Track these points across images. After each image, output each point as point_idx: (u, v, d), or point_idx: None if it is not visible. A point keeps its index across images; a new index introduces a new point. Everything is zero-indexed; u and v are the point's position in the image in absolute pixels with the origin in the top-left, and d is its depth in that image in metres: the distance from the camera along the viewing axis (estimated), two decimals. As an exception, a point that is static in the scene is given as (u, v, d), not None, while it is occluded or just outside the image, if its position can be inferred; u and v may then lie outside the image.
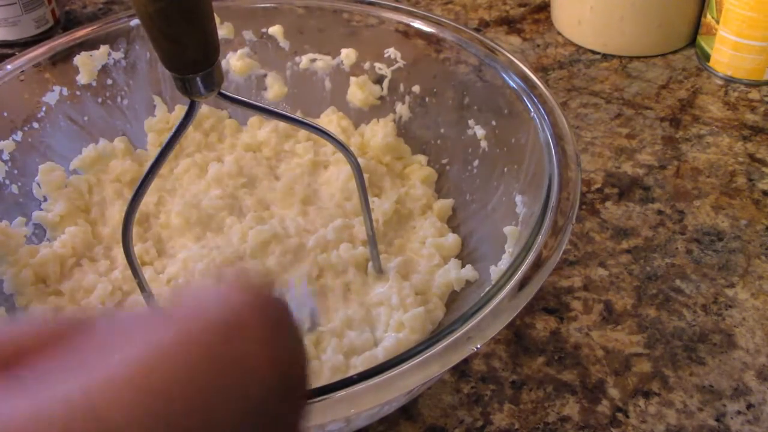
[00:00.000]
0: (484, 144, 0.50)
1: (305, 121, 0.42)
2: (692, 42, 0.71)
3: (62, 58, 0.52)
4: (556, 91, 0.66)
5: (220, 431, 0.14)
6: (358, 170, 0.43)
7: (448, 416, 0.43)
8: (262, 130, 0.56)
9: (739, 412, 0.42)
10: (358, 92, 0.56)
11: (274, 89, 0.57)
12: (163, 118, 0.56)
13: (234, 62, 0.56)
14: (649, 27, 0.68)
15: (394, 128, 0.55)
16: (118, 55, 0.54)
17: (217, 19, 0.51)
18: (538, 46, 0.73)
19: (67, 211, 0.50)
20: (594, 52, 0.71)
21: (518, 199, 0.44)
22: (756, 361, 0.45)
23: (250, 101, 0.41)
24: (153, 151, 0.55)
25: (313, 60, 0.57)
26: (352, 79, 0.56)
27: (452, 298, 0.46)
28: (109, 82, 0.54)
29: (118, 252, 0.49)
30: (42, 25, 0.73)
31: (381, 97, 0.56)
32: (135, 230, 0.47)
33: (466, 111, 0.52)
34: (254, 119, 0.57)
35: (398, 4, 0.54)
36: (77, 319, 0.15)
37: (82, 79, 0.53)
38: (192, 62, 0.34)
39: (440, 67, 0.52)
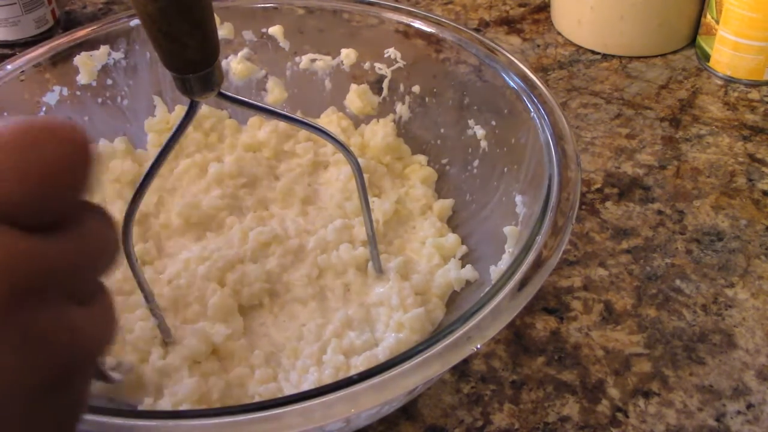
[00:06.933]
0: (484, 144, 0.50)
1: (305, 121, 0.42)
2: (692, 42, 0.71)
3: (62, 59, 0.52)
4: (556, 91, 0.66)
5: None
6: (358, 170, 0.43)
7: (448, 416, 0.43)
8: (262, 130, 0.56)
9: (739, 412, 0.42)
10: (356, 100, 0.56)
11: (274, 93, 0.57)
12: (163, 118, 0.56)
13: (235, 65, 0.56)
14: (649, 27, 0.68)
15: (394, 128, 0.55)
16: (118, 55, 0.54)
17: (217, 19, 0.51)
18: (538, 46, 0.73)
19: (68, 211, 0.50)
20: (594, 52, 0.71)
21: (518, 199, 0.44)
22: (756, 361, 0.45)
23: (250, 101, 0.41)
24: (153, 152, 0.55)
25: (313, 60, 0.57)
26: (353, 86, 0.56)
27: (452, 298, 0.46)
28: (109, 82, 0.54)
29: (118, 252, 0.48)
30: (42, 25, 0.73)
31: (381, 99, 0.56)
32: (135, 230, 0.47)
33: (466, 111, 0.52)
34: (254, 119, 0.57)
35: (398, 4, 0.54)
36: None
37: (82, 79, 0.53)
38: (192, 62, 0.34)
39: (440, 67, 0.52)
